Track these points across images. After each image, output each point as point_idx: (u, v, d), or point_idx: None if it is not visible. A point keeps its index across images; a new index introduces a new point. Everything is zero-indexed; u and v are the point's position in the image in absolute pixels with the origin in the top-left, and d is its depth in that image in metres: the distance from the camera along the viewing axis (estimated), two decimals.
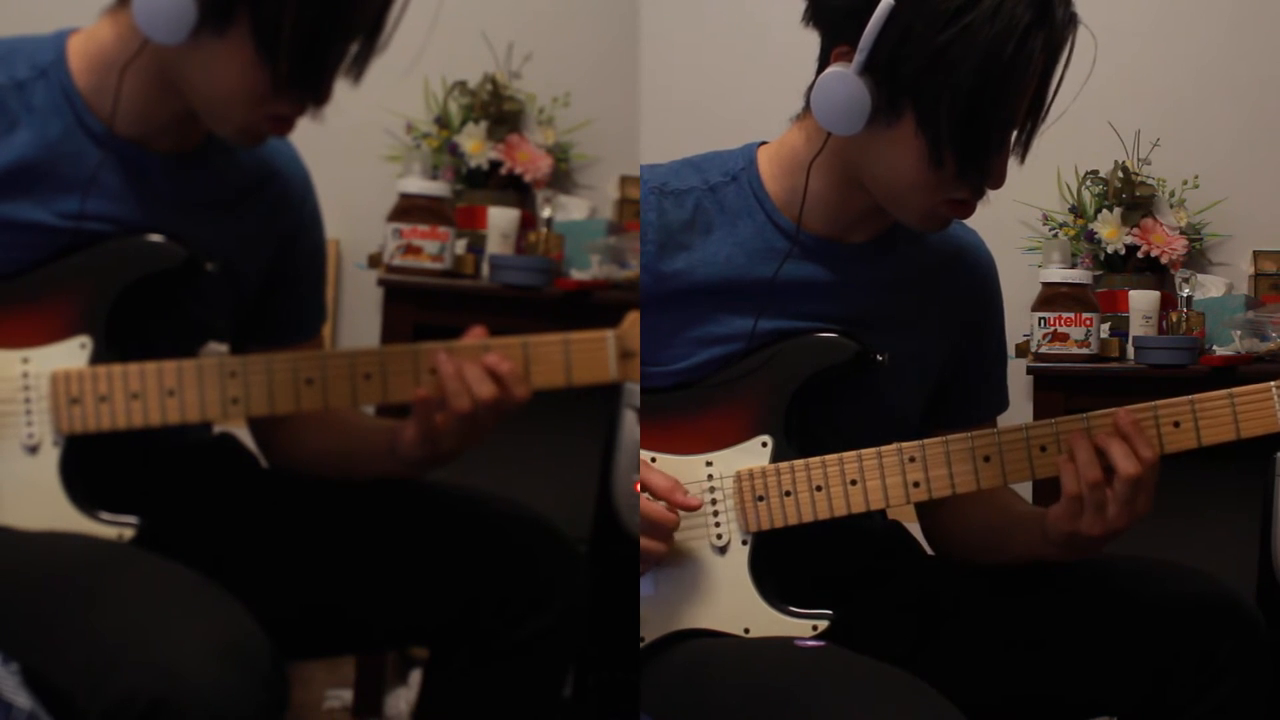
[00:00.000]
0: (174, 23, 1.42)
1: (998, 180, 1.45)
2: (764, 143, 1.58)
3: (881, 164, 1.46)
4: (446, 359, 1.53)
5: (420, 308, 2.67)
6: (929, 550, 1.69)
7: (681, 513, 1.47)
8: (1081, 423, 1.45)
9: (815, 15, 1.48)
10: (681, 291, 1.52)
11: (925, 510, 1.66)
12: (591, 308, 2.65)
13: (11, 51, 1.54)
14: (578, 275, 2.75)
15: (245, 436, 1.75)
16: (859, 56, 1.40)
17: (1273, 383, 1.44)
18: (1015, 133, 1.44)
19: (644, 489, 1.47)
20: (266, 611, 1.37)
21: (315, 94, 1.47)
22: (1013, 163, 1.46)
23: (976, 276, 1.65)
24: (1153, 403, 1.45)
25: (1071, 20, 1.42)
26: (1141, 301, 2.70)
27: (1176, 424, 1.44)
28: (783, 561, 1.51)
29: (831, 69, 1.43)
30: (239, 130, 1.51)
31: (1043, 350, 2.60)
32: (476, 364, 1.53)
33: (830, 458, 1.49)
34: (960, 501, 1.54)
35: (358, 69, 1.47)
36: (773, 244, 1.53)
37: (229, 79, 1.45)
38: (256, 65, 1.43)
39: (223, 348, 1.69)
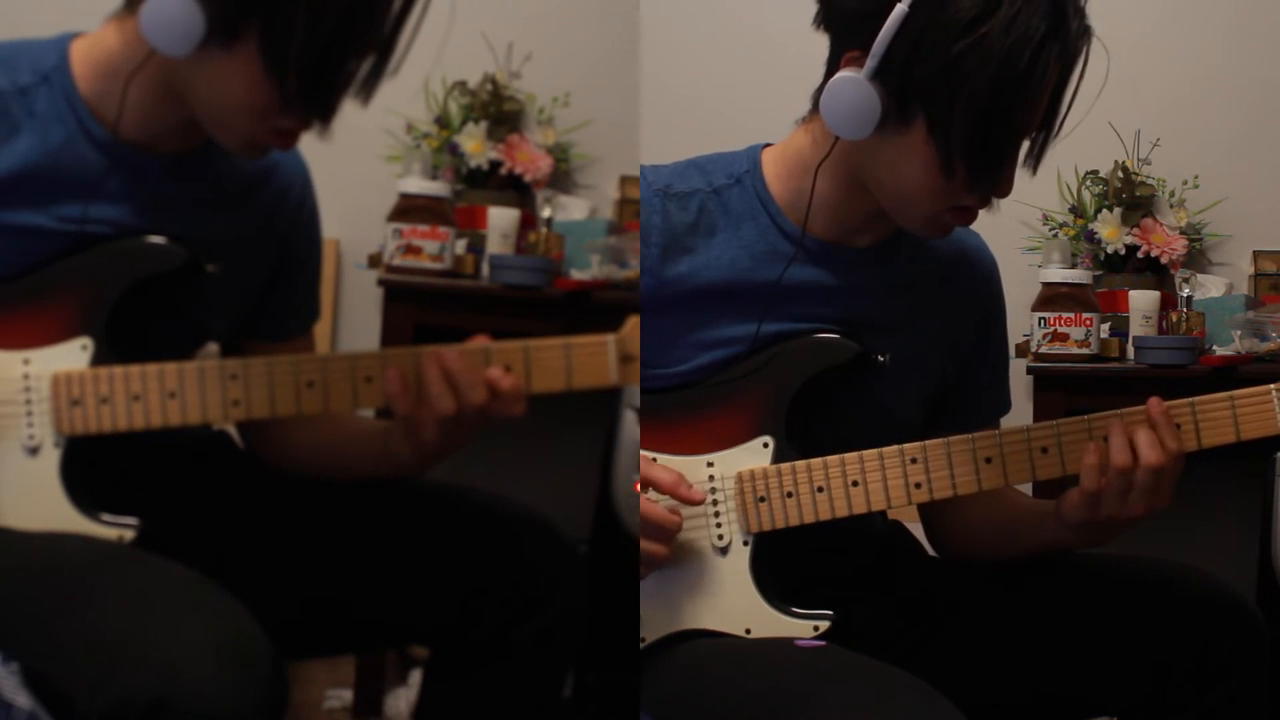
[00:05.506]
0: (181, 34, 1.41)
1: (1005, 189, 1.45)
2: (768, 144, 1.57)
3: (889, 169, 1.45)
4: (430, 363, 1.51)
5: (420, 308, 2.67)
6: (931, 551, 1.69)
7: (683, 512, 1.47)
8: (1083, 424, 1.45)
9: (827, 19, 1.47)
10: (685, 295, 1.52)
11: (929, 513, 1.66)
12: (591, 308, 2.65)
13: (14, 55, 1.53)
14: (578, 275, 2.75)
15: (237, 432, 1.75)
16: (871, 62, 1.40)
17: (1272, 385, 1.44)
18: (1028, 143, 1.44)
19: (648, 484, 1.46)
20: (266, 611, 1.37)
21: (322, 111, 1.45)
22: (1024, 172, 1.46)
23: (979, 281, 1.64)
24: None
25: (1085, 32, 1.41)
26: (1141, 301, 2.70)
27: (1177, 426, 1.44)
28: (784, 562, 1.51)
29: (842, 73, 1.42)
30: (242, 142, 1.50)
31: (1043, 350, 2.60)
32: (473, 370, 1.52)
33: (832, 459, 1.49)
34: (964, 502, 1.54)
35: (367, 90, 1.45)
36: (776, 247, 1.52)
37: (235, 92, 1.44)
38: (263, 80, 1.42)
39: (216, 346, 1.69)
